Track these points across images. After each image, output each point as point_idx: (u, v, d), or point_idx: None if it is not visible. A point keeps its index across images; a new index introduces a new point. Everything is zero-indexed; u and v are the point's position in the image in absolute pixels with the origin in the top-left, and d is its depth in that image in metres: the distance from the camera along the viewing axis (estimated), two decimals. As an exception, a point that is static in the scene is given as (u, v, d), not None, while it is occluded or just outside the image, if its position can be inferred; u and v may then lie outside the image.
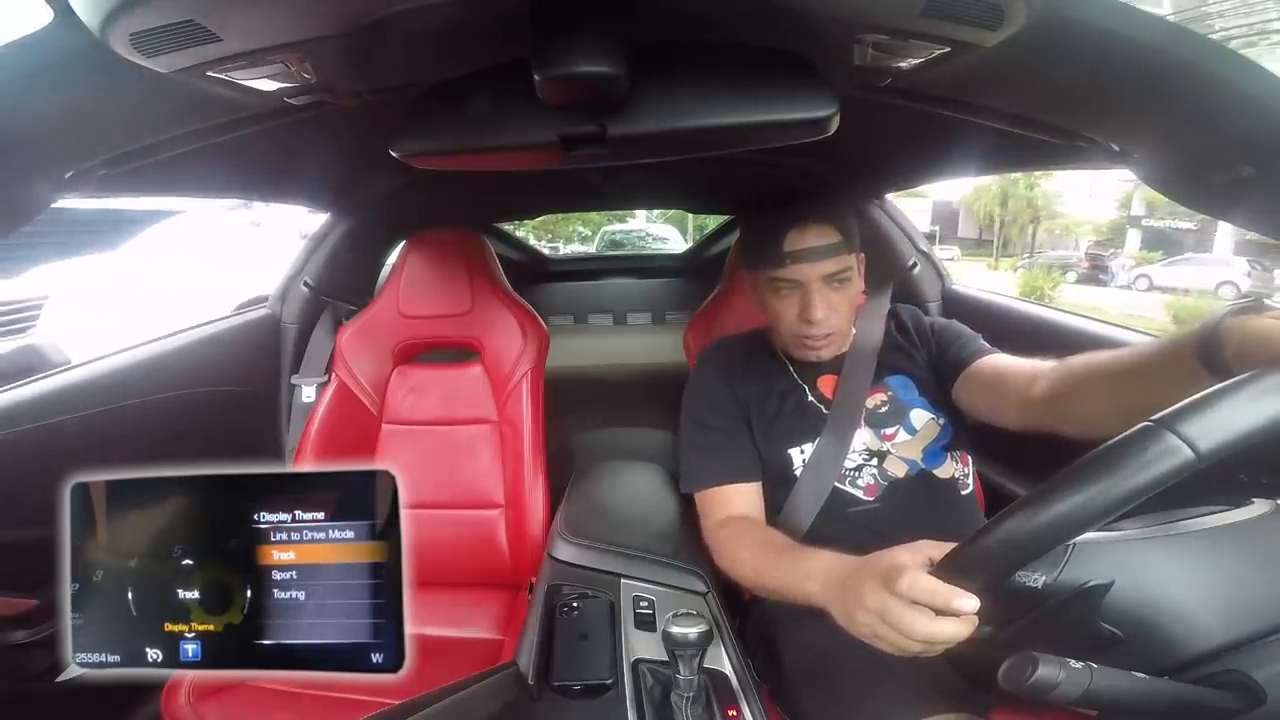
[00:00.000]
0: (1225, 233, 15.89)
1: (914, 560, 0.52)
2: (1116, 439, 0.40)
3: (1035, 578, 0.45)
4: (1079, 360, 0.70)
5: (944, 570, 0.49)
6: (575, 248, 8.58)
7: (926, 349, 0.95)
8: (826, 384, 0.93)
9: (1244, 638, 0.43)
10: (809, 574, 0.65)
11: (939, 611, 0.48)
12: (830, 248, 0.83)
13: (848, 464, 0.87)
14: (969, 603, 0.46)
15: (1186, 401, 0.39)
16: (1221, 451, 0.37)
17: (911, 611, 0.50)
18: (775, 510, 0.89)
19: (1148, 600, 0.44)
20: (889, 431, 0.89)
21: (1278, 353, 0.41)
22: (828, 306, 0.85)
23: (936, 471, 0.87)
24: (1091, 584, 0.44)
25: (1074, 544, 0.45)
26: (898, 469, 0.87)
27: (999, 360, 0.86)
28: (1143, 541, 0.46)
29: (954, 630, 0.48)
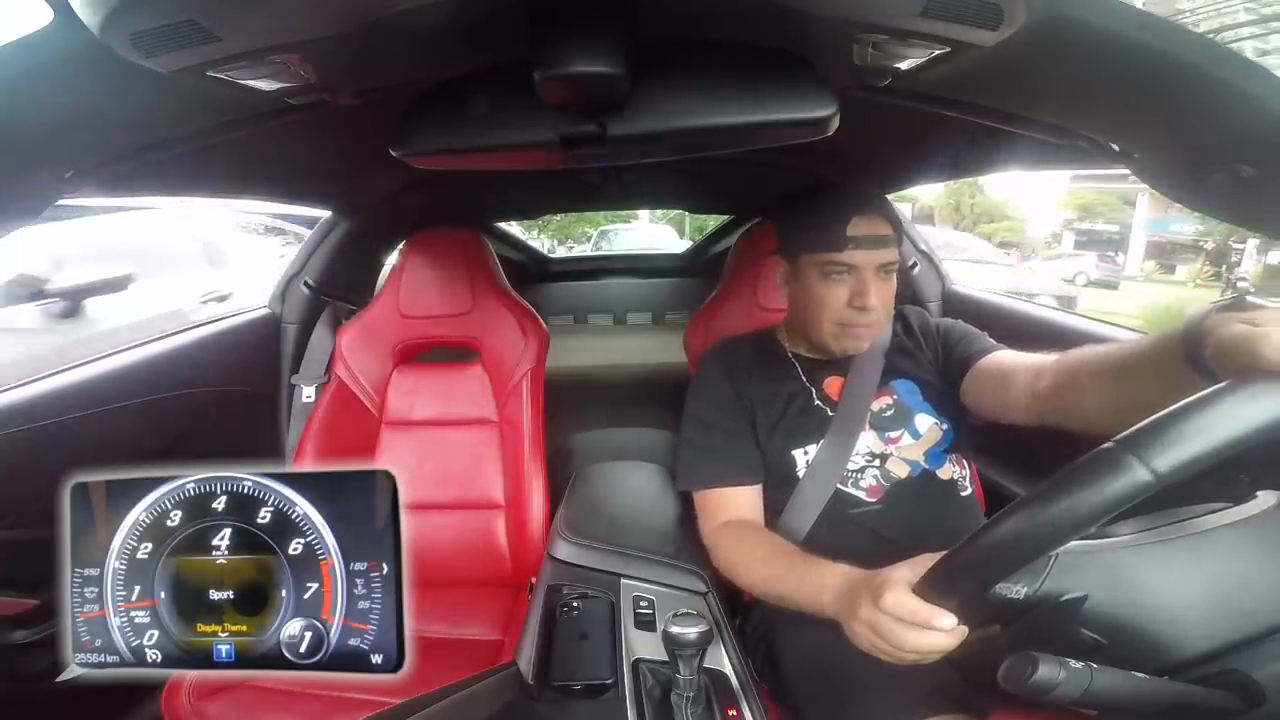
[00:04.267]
0: (1139, 233, 18.34)
1: (912, 574, 0.53)
2: (1080, 460, 0.41)
3: (1017, 589, 0.46)
4: (1075, 355, 0.70)
5: (925, 587, 0.51)
6: (585, 248, 8.88)
7: (932, 350, 0.95)
8: (833, 386, 0.93)
9: (1239, 640, 0.43)
10: (823, 586, 0.66)
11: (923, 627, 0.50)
12: (887, 238, 0.85)
13: (850, 465, 0.87)
14: (946, 621, 0.49)
15: (1145, 423, 0.40)
16: (1179, 472, 0.38)
17: (898, 626, 0.52)
18: (777, 511, 0.88)
19: (1129, 608, 0.45)
20: (893, 435, 0.89)
21: (1244, 360, 0.41)
22: (879, 295, 0.85)
23: (938, 473, 0.87)
24: (1065, 598, 0.45)
25: (1056, 555, 0.45)
26: (900, 470, 0.87)
27: (1005, 356, 0.86)
28: (1125, 550, 0.47)
29: (940, 642, 0.50)
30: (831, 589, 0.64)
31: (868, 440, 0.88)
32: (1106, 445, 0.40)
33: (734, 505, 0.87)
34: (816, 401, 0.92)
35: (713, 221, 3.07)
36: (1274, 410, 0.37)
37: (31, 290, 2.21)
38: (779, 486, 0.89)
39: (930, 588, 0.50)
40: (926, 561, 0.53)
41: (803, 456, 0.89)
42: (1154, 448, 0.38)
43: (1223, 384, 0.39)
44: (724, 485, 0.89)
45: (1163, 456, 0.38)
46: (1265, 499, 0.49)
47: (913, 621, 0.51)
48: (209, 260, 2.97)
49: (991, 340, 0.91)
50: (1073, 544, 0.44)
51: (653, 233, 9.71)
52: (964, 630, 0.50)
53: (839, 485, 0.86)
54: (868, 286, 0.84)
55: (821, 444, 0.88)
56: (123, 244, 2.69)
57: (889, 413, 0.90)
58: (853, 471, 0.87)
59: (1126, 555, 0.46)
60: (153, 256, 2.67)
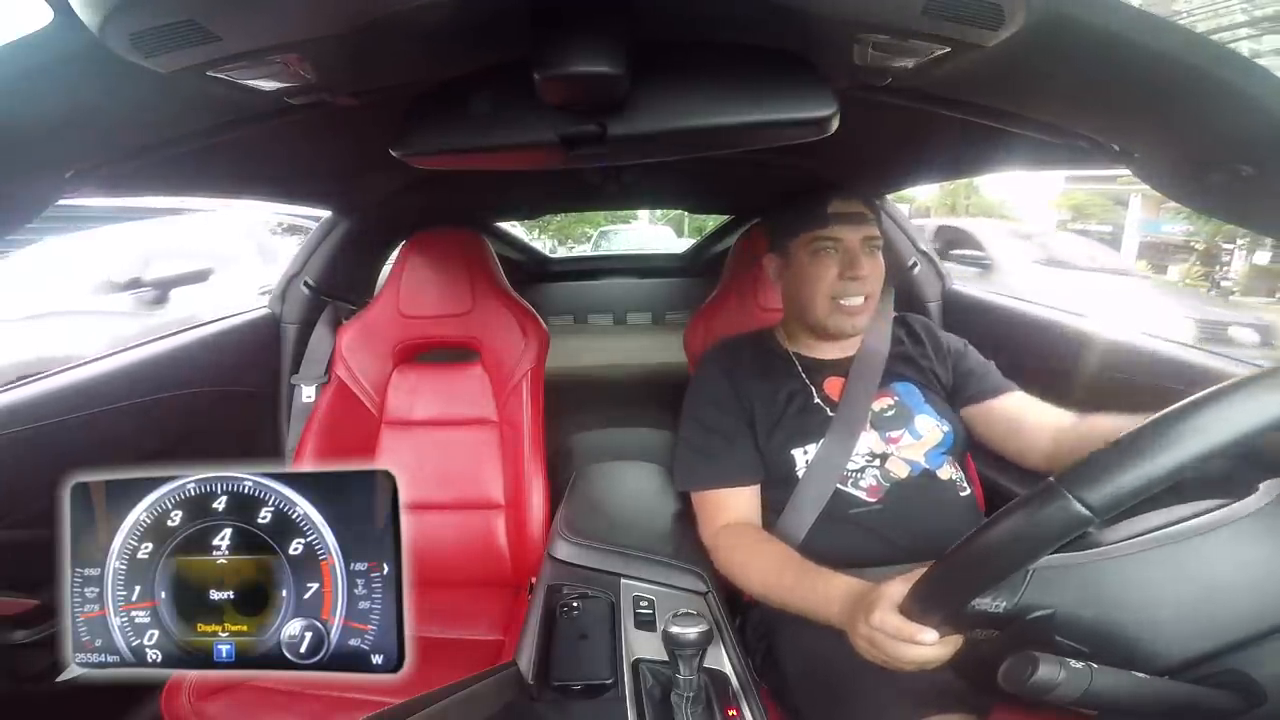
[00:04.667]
0: (1132, 233, 18.67)
1: (903, 588, 0.55)
2: (1024, 495, 0.43)
3: (997, 604, 0.47)
4: (1087, 426, 0.79)
5: (909, 604, 0.53)
6: (586, 247, 9.08)
7: (944, 366, 0.98)
8: (833, 386, 0.94)
9: (1238, 640, 0.43)
10: (830, 598, 0.67)
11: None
12: (866, 215, 0.92)
13: (850, 465, 0.87)
14: (928, 636, 0.52)
15: (1084, 461, 0.41)
16: (1115, 507, 0.39)
17: (889, 641, 0.55)
18: (776, 510, 0.88)
19: (1108, 617, 0.45)
20: (894, 434, 0.89)
21: None
22: (867, 268, 0.90)
23: (938, 473, 0.88)
24: (1033, 616, 0.46)
25: (1033, 569, 0.46)
26: (900, 470, 0.87)
27: (1018, 404, 0.92)
28: (1104, 562, 0.47)
29: (929, 654, 0.53)
30: (838, 600, 0.66)
31: (869, 440, 0.88)
32: (1048, 481, 0.42)
33: (732, 506, 0.88)
34: (816, 400, 0.92)
35: (711, 222, 3.07)
36: (1210, 439, 0.38)
37: (119, 286, 2.59)
38: (779, 486, 0.89)
39: (913, 604, 0.53)
40: (919, 574, 0.54)
41: (802, 456, 0.89)
42: (1090, 484, 0.40)
43: (1154, 416, 0.40)
44: (722, 486, 0.89)
45: (1098, 493, 0.39)
46: (1266, 492, 0.49)
47: (897, 638, 0.54)
48: (261, 256, 3.32)
49: (1001, 376, 0.96)
50: (1050, 558, 0.45)
51: (653, 232, 10.01)
52: (956, 640, 0.53)
53: (839, 485, 0.86)
54: (856, 258, 0.89)
55: (822, 443, 0.88)
56: (194, 242, 3.09)
57: (890, 413, 0.91)
58: (853, 471, 0.87)
59: (1105, 566, 0.46)
60: (217, 253, 3.05)
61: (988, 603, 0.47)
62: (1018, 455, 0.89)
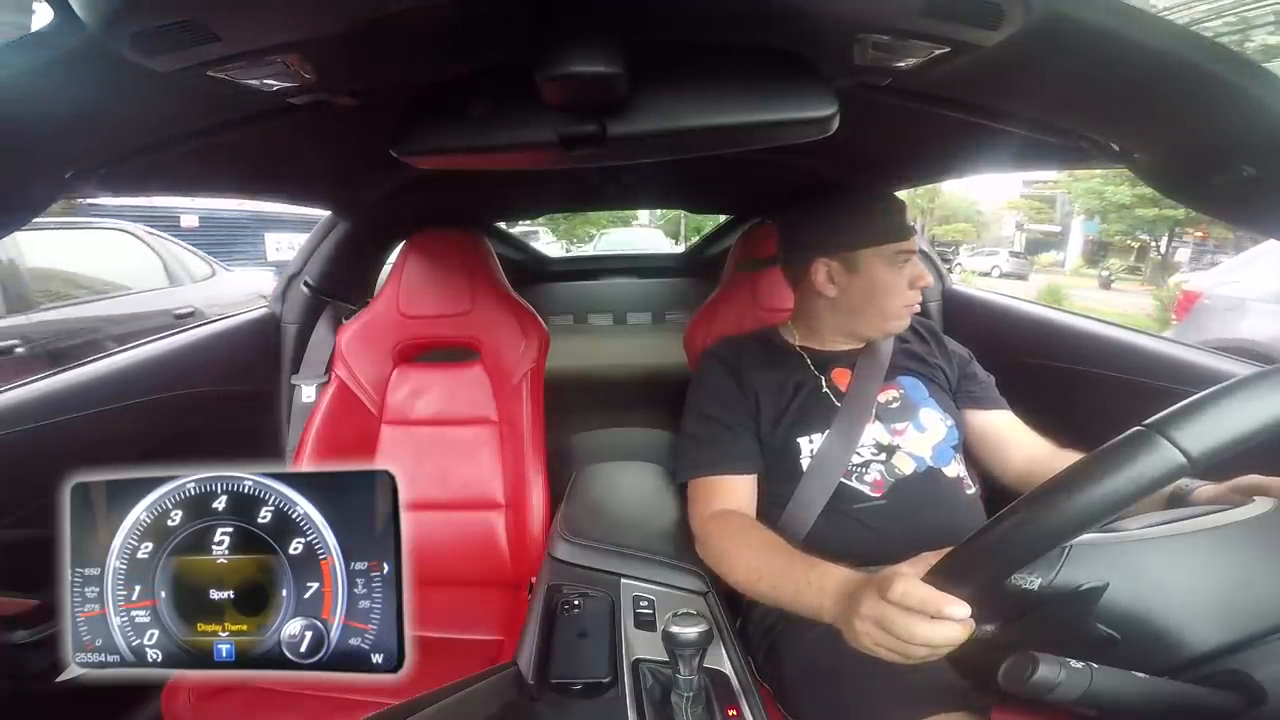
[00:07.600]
0: (1076, 233, 20.68)
1: (913, 570, 0.52)
2: (1109, 444, 0.40)
3: (1032, 580, 0.46)
4: (1060, 458, 0.80)
5: (937, 577, 0.49)
6: (589, 247, 9.36)
7: (949, 366, 0.99)
8: (841, 376, 0.94)
9: (1243, 639, 0.43)
10: (822, 588, 0.63)
11: (933, 618, 0.49)
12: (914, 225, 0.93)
13: (856, 459, 0.87)
14: (960, 610, 0.47)
15: (1179, 406, 0.39)
16: (1214, 456, 0.36)
17: (906, 617, 0.50)
18: (780, 504, 0.88)
19: (1143, 602, 0.44)
20: (899, 427, 0.90)
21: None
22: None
23: (944, 470, 0.88)
24: (1086, 587, 0.44)
25: (1070, 546, 0.45)
26: (905, 465, 0.87)
27: (1008, 422, 0.95)
28: (1139, 543, 0.46)
29: (950, 634, 0.48)
30: (832, 592, 0.62)
31: (874, 432, 0.89)
32: (1138, 428, 0.39)
33: (726, 494, 0.86)
34: (825, 390, 0.93)
35: (709, 223, 3.07)
36: None
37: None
38: (783, 479, 0.89)
39: (943, 577, 0.49)
40: (928, 559, 0.53)
41: (807, 445, 0.89)
42: (1189, 430, 0.37)
43: (1251, 374, 0.38)
44: (718, 473, 0.88)
45: (1198, 439, 0.36)
46: (1265, 500, 0.49)
47: (923, 611, 0.49)
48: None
49: (999, 395, 0.99)
50: (1086, 536, 0.43)
51: (646, 234, 10.69)
52: (972, 623, 0.48)
53: (843, 479, 0.86)
54: (919, 266, 0.92)
55: (828, 434, 0.88)
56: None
57: (895, 405, 0.92)
58: (857, 466, 0.87)
59: (1140, 548, 0.46)
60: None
61: (1023, 578, 0.45)
62: (991, 470, 0.94)
